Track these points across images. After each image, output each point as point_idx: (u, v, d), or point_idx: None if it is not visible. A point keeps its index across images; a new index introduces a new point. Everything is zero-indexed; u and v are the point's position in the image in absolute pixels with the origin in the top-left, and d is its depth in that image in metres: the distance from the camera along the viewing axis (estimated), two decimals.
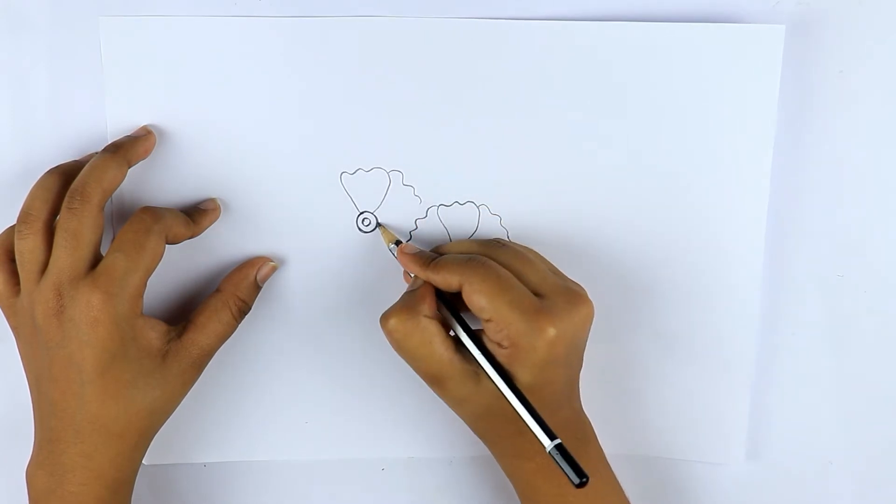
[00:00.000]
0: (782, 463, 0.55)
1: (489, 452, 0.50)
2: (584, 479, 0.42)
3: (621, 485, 0.50)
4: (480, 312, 0.45)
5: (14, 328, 0.48)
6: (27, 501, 0.48)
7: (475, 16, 0.50)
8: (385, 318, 0.47)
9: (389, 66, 0.50)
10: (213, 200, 0.50)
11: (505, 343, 0.45)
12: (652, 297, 0.52)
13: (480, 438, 0.50)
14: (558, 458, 0.43)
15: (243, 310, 0.50)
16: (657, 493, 0.55)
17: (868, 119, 0.51)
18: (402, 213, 0.51)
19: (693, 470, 0.55)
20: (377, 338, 0.52)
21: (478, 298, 0.45)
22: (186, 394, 0.49)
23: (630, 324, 0.53)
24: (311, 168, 0.51)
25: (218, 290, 0.50)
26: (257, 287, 0.51)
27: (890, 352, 0.54)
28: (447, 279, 0.46)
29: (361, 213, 0.51)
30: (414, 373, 0.51)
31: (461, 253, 0.48)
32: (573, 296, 0.46)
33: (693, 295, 0.52)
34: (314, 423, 0.53)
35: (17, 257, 0.46)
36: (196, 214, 0.49)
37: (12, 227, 0.47)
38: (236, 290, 0.50)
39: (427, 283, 0.48)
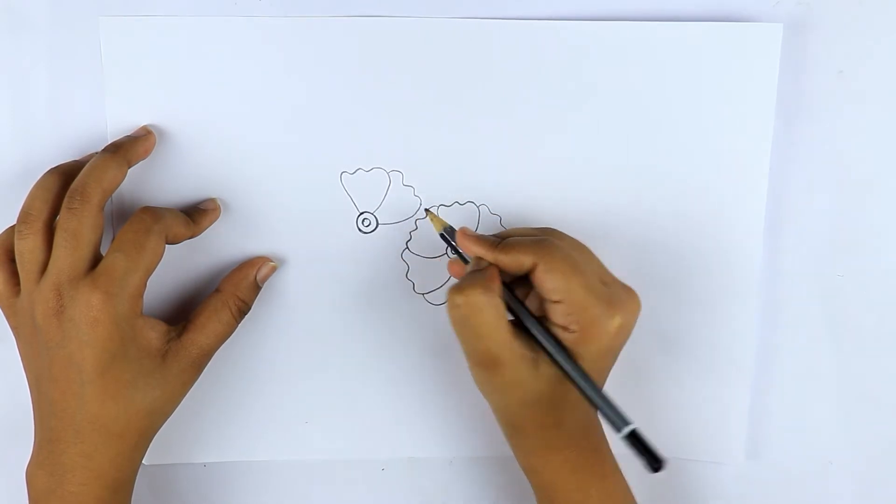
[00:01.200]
0: (782, 463, 0.55)
1: (489, 453, 0.50)
2: (664, 464, 0.42)
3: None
4: (552, 293, 0.45)
5: (14, 328, 0.48)
6: (27, 501, 0.48)
7: (475, 16, 0.50)
8: (457, 290, 0.45)
9: (389, 66, 0.50)
10: (213, 200, 0.50)
11: (574, 326, 0.45)
12: (652, 296, 0.52)
13: (512, 431, 0.48)
14: (634, 442, 0.42)
15: (243, 310, 0.50)
16: (658, 492, 0.55)
17: (868, 119, 0.51)
18: (402, 214, 0.51)
19: (693, 470, 0.55)
20: (377, 337, 0.52)
21: (552, 278, 0.44)
22: (186, 394, 0.49)
23: None
24: (311, 168, 0.51)
25: (218, 290, 0.50)
26: (257, 287, 0.51)
27: (890, 352, 0.54)
28: (519, 259, 0.45)
29: (361, 213, 0.51)
30: (414, 374, 0.51)
31: (526, 236, 0.47)
32: (629, 290, 0.46)
33: (693, 295, 0.52)
34: (314, 423, 0.53)
35: (17, 257, 0.46)
36: (196, 214, 0.49)
37: (12, 227, 0.47)
38: (236, 290, 0.50)
39: (493, 265, 0.46)
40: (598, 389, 0.45)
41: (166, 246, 0.47)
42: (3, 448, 0.53)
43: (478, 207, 0.51)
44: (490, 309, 0.44)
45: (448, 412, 0.53)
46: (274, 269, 0.51)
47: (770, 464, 0.55)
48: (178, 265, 0.51)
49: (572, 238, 0.48)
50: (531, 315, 0.46)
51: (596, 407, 0.44)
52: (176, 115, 0.50)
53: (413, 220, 0.51)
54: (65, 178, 0.47)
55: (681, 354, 0.53)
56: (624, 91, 0.50)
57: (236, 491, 0.55)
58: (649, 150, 0.51)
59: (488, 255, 0.46)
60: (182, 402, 0.49)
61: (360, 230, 0.51)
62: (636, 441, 0.43)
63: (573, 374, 0.45)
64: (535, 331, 0.45)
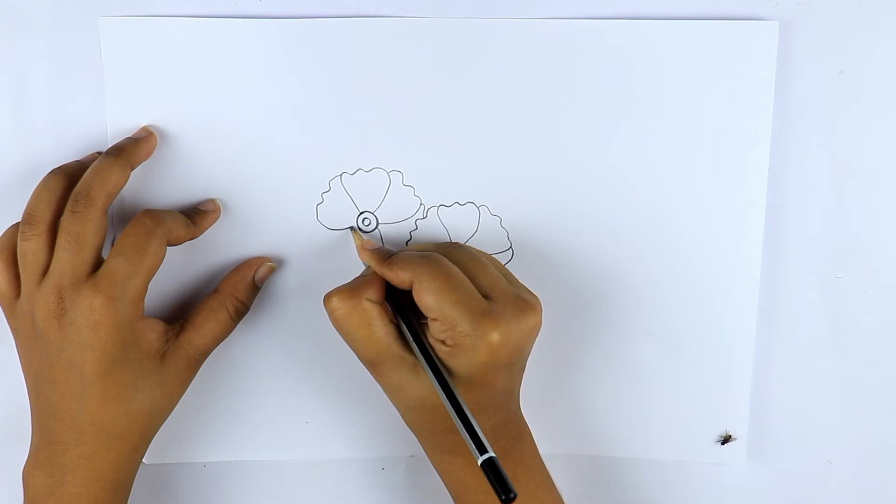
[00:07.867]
0: (782, 463, 0.55)
1: None
2: (512, 496, 0.40)
3: (611, 484, 0.50)
4: (428, 311, 0.45)
5: (13, 329, 0.48)
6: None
7: (475, 16, 0.50)
8: (328, 297, 0.47)
9: (389, 66, 0.50)
10: (212, 201, 0.50)
11: (449, 342, 0.45)
12: (651, 297, 0.52)
13: (411, 430, 0.49)
14: (488, 471, 0.41)
15: (241, 310, 0.50)
16: (658, 494, 0.55)
17: (868, 119, 0.51)
18: (402, 214, 0.51)
19: (693, 470, 0.55)
20: None
21: (426, 296, 0.45)
22: (184, 393, 0.49)
23: (629, 324, 0.53)
24: (311, 168, 0.51)
25: (216, 291, 0.50)
26: (255, 288, 0.51)
27: (890, 352, 0.54)
28: (399, 276, 0.46)
29: (361, 213, 0.51)
30: None
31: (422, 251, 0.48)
32: (522, 304, 0.46)
33: (692, 295, 0.52)
34: (314, 423, 0.53)
35: (19, 258, 0.46)
36: (196, 216, 0.49)
37: (15, 227, 0.47)
38: (234, 291, 0.50)
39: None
40: (460, 409, 0.43)
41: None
42: (3, 448, 0.53)
43: (478, 208, 0.51)
44: (357, 313, 0.46)
45: None
46: (272, 270, 0.51)
47: (770, 464, 0.55)
48: (178, 265, 0.51)
49: (470, 250, 0.48)
50: (411, 325, 0.46)
51: (457, 428, 0.43)
52: (176, 116, 0.50)
53: (413, 220, 0.51)
54: (68, 179, 0.47)
55: (681, 354, 0.53)
56: (622, 90, 0.50)
57: (236, 491, 0.55)
58: (648, 150, 0.51)
59: (377, 270, 0.47)
60: (182, 402, 0.49)
61: (360, 230, 0.51)
62: (493, 470, 0.41)
63: (436, 388, 0.44)
64: (412, 340, 0.46)
